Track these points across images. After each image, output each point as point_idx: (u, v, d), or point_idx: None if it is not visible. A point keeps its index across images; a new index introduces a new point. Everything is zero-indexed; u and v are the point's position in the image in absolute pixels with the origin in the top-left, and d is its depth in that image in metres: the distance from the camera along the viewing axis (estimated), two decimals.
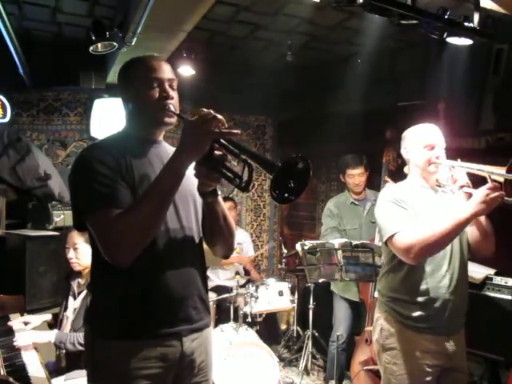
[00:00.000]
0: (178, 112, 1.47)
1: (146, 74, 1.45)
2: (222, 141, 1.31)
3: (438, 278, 1.96)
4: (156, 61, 1.49)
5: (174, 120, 1.47)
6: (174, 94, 1.48)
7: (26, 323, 2.51)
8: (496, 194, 1.72)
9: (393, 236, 1.94)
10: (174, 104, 1.46)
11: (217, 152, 1.32)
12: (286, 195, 1.24)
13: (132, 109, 1.50)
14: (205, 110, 1.32)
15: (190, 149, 1.29)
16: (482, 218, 1.97)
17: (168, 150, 1.54)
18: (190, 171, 1.37)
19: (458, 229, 1.82)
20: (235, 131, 1.31)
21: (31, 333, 2.43)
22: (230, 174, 1.33)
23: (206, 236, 1.58)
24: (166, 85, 1.46)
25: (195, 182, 1.43)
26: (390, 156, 3.35)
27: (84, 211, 1.36)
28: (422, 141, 2.06)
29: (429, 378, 1.94)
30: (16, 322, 2.57)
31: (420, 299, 1.97)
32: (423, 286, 1.96)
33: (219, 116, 1.31)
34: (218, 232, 1.55)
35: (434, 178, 2.07)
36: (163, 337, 1.41)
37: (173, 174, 1.32)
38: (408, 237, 1.88)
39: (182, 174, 1.32)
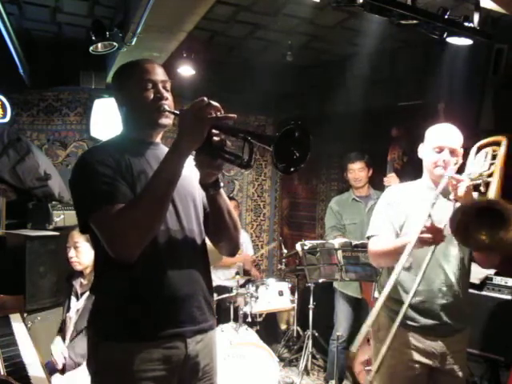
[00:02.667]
0: (173, 110, 1.47)
1: (140, 76, 1.46)
2: (219, 126, 1.31)
3: (431, 280, 1.96)
4: (149, 63, 1.50)
5: (169, 121, 1.48)
6: (168, 95, 1.48)
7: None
8: (426, 236, 1.78)
9: (369, 238, 2.08)
10: (168, 104, 1.47)
11: (215, 138, 1.32)
12: (291, 167, 1.22)
13: (127, 112, 1.51)
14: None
15: (188, 138, 1.29)
16: None
17: (165, 151, 1.54)
18: (189, 172, 1.36)
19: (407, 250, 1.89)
20: (231, 115, 1.31)
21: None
22: (231, 157, 1.32)
23: (211, 233, 1.58)
24: (160, 86, 1.47)
25: (194, 183, 1.43)
26: (395, 154, 3.33)
27: (87, 211, 1.35)
28: (432, 142, 2.03)
29: (413, 374, 1.96)
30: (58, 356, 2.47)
31: (409, 297, 1.97)
32: (415, 288, 1.96)
33: (214, 102, 1.30)
34: (222, 227, 1.53)
35: (438, 181, 2.03)
36: (167, 338, 1.40)
37: (173, 165, 1.32)
38: (375, 245, 2.03)
39: (181, 164, 1.32)
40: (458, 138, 2.02)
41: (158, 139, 1.57)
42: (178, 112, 1.42)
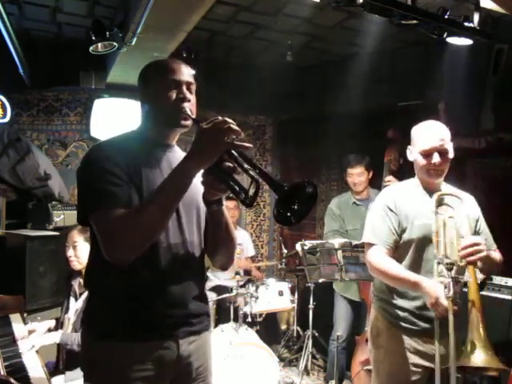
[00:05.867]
0: (194, 116, 1.45)
1: (165, 75, 1.45)
2: (233, 152, 1.29)
3: None
4: (175, 63, 1.49)
5: (189, 123, 1.45)
6: (191, 97, 1.47)
7: (30, 331, 2.47)
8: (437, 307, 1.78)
9: (368, 244, 2.01)
10: (190, 107, 1.45)
11: (226, 163, 1.30)
12: (289, 215, 1.23)
13: (148, 110, 1.49)
14: (220, 117, 1.29)
15: (199, 157, 1.28)
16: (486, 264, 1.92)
17: (179, 155, 1.52)
18: (197, 179, 1.35)
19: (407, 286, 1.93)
20: (248, 145, 1.29)
21: (37, 338, 2.39)
22: (236, 187, 1.31)
23: (208, 245, 1.57)
24: (184, 87, 1.45)
25: (200, 190, 1.42)
26: (391, 156, 3.30)
27: (89, 207, 1.35)
28: (420, 145, 1.94)
29: (415, 378, 1.95)
30: (21, 330, 2.50)
31: (408, 302, 1.97)
32: (411, 291, 1.96)
33: (235, 126, 1.28)
34: (219, 242, 1.54)
35: (430, 183, 1.99)
36: (160, 339, 1.40)
37: (180, 180, 1.30)
38: (376, 258, 1.96)
39: (188, 180, 1.31)
40: (444, 136, 1.91)
41: (174, 141, 1.55)
42: (198, 121, 1.39)
